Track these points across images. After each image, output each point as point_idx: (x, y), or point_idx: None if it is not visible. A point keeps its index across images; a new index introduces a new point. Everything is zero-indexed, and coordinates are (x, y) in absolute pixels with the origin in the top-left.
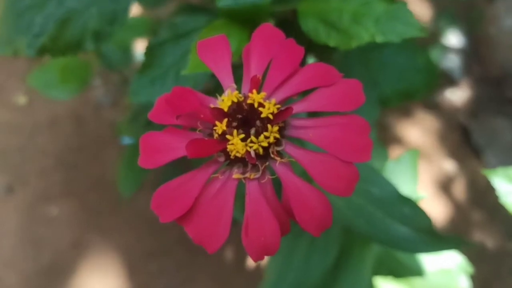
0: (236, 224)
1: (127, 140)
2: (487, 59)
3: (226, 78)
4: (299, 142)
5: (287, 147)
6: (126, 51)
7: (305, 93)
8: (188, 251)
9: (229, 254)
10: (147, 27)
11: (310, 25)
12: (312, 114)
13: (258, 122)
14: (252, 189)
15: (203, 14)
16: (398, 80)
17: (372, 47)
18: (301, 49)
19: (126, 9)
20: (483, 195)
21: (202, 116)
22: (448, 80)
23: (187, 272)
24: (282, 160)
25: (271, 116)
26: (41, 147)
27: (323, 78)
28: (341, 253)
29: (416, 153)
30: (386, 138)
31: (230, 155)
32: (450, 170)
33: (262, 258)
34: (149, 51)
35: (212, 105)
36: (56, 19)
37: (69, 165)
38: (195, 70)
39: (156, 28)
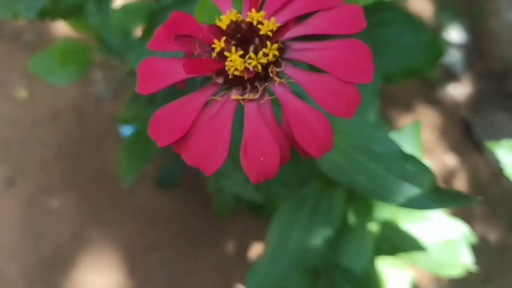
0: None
1: (126, 130)
2: (489, 54)
3: (225, 3)
4: (299, 66)
5: (287, 69)
6: (127, 36)
7: (304, 17)
8: (189, 243)
9: (230, 245)
10: (153, 19)
11: None
12: (312, 39)
13: (257, 40)
14: (250, 109)
15: None
16: (402, 57)
17: (378, 24)
18: None
19: None
20: (485, 189)
21: (200, 37)
22: (450, 75)
23: (188, 264)
24: (281, 80)
25: (270, 34)
26: (42, 139)
27: (324, 2)
28: (343, 226)
29: (418, 125)
30: None
31: (228, 75)
32: (452, 165)
33: (261, 180)
34: (151, 16)
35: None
36: None
37: (70, 158)
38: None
39: None
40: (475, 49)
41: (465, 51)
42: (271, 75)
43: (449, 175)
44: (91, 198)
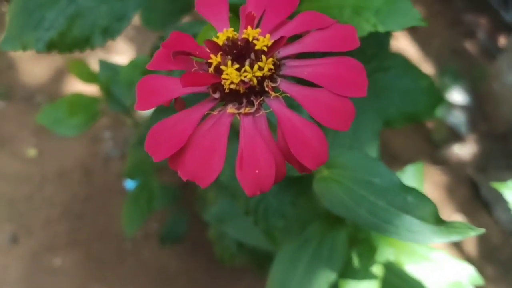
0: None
1: (131, 185)
2: (492, 115)
3: (222, 24)
4: (294, 80)
5: (282, 84)
6: (135, 91)
7: (299, 37)
8: None
9: None
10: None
11: None
12: (306, 57)
13: (252, 55)
14: (246, 123)
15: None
16: (402, 102)
17: (377, 69)
18: None
19: (134, 8)
20: (496, 250)
21: (197, 53)
22: (455, 135)
23: None
24: (277, 95)
25: (265, 48)
26: (48, 198)
27: (318, 22)
28: (347, 269)
29: (420, 166)
30: None
31: (224, 89)
32: None
33: (257, 193)
34: (152, 54)
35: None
36: (66, 16)
37: (75, 216)
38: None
39: None
40: (479, 110)
41: (468, 112)
42: (266, 89)
43: None
44: (94, 257)
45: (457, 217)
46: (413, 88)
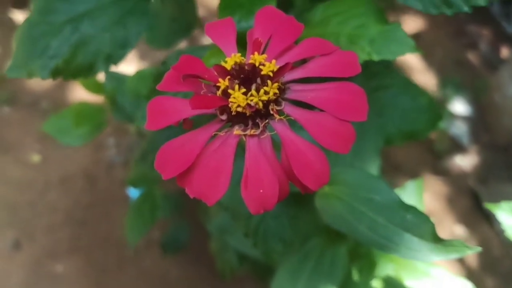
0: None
1: (134, 193)
2: (494, 127)
3: (230, 49)
4: (298, 105)
5: (286, 108)
6: (140, 102)
7: (303, 62)
8: None
9: None
10: (160, 79)
11: None
12: (311, 82)
13: (258, 80)
14: (252, 144)
15: (210, 46)
16: (402, 120)
17: (377, 88)
18: (300, 25)
19: (137, 34)
20: (497, 262)
21: (206, 76)
22: (457, 146)
23: None
24: (281, 118)
25: (271, 74)
26: (51, 204)
27: (321, 48)
28: (347, 283)
29: (420, 182)
30: None
31: (231, 112)
32: (461, 236)
33: (260, 211)
34: (157, 78)
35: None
36: (70, 44)
37: (78, 222)
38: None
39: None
40: (480, 121)
41: (470, 123)
42: (271, 112)
43: None
44: (96, 263)
45: (457, 228)
46: (412, 106)
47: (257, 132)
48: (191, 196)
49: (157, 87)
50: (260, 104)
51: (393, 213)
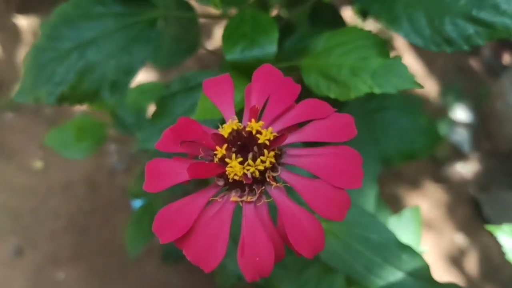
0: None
1: (137, 203)
2: (496, 134)
3: (228, 111)
4: (294, 170)
5: (283, 173)
6: (140, 114)
7: (300, 126)
8: None
9: None
10: (161, 92)
11: (311, 79)
12: (307, 145)
13: (255, 148)
14: (248, 211)
15: (213, 71)
16: (400, 141)
17: (376, 109)
18: (297, 86)
19: (142, 61)
20: (497, 270)
21: (204, 142)
22: (458, 153)
23: None
24: (278, 184)
25: (267, 142)
26: (53, 210)
27: (318, 112)
28: None
29: (417, 209)
30: (397, 210)
31: (228, 179)
32: (462, 244)
33: (256, 279)
34: (161, 101)
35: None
36: (76, 70)
37: (80, 228)
38: (203, 116)
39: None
40: (482, 129)
41: (472, 130)
42: (268, 179)
43: (459, 255)
44: (98, 270)
45: (458, 237)
46: (412, 127)
47: (254, 199)
48: (189, 260)
49: (156, 146)
50: (257, 173)
51: (389, 253)
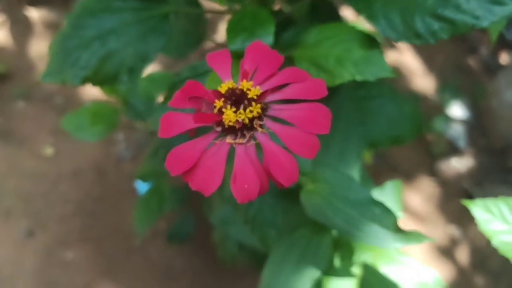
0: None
1: (142, 187)
2: (491, 131)
3: (225, 75)
4: (276, 121)
5: (267, 122)
6: (151, 102)
7: (282, 88)
8: None
9: None
10: (169, 80)
11: (303, 68)
12: (287, 102)
13: (246, 102)
14: (240, 150)
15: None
16: (387, 127)
17: (365, 97)
18: (281, 57)
19: (156, 50)
20: (486, 260)
21: (206, 97)
22: (453, 149)
23: None
24: (263, 130)
25: (255, 97)
26: (63, 195)
27: (296, 77)
28: (330, 269)
29: (398, 183)
30: None
31: (224, 125)
32: (453, 236)
33: (245, 201)
34: (171, 86)
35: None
36: (98, 56)
37: (88, 213)
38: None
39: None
40: (477, 125)
41: (467, 126)
42: (255, 126)
43: (451, 246)
44: (104, 252)
45: (450, 228)
46: (397, 114)
47: (244, 141)
48: (193, 189)
49: (169, 104)
50: (247, 120)
51: (364, 208)
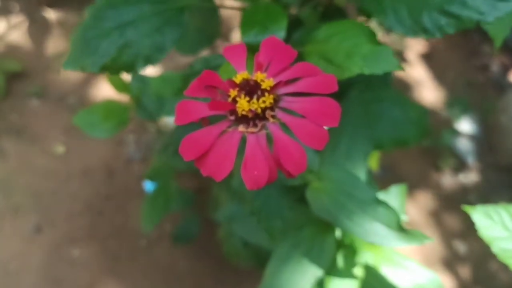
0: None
1: (150, 186)
2: (499, 147)
3: (240, 67)
4: (288, 112)
5: (279, 113)
6: (162, 102)
7: (294, 81)
8: None
9: None
10: (187, 80)
11: (313, 61)
12: (298, 95)
13: (259, 92)
14: (251, 139)
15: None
16: (393, 130)
17: (372, 100)
18: (294, 52)
19: (172, 41)
20: (494, 276)
21: (221, 87)
22: (460, 163)
23: None
24: (274, 120)
25: (268, 88)
26: (72, 193)
27: (308, 71)
28: (332, 269)
29: (403, 187)
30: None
31: (238, 114)
32: (460, 251)
33: (254, 188)
34: (185, 78)
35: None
36: (117, 46)
37: (96, 212)
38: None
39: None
40: (486, 141)
41: (476, 142)
42: (267, 116)
43: (457, 262)
44: (110, 251)
45: (456, 243)
46: (403, 118)
47: (256, 130)
48: (204, 175)
49: (184, 93)
50: (259, 110)
51: (367, 206)
